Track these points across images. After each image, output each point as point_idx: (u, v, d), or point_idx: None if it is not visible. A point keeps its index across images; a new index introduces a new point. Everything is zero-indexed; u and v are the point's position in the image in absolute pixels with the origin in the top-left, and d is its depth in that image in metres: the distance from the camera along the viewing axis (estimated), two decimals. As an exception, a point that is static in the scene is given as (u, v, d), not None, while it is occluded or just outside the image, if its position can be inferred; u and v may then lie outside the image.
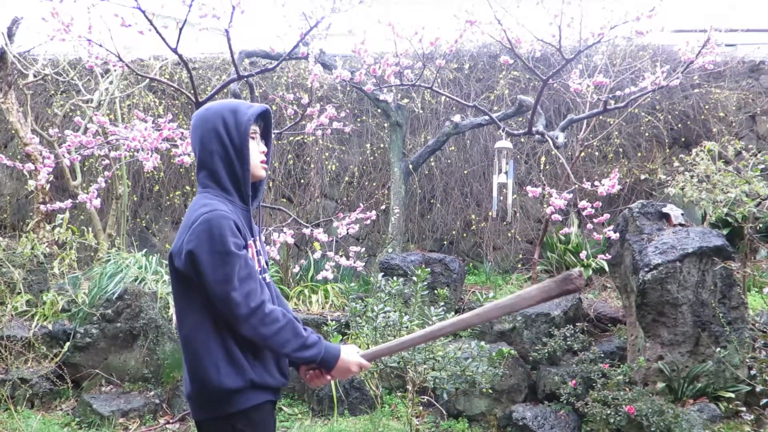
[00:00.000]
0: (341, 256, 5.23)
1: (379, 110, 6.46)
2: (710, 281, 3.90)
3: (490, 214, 6.30)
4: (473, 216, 6.74)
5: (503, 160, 5.04)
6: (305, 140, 6.87)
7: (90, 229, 5.44)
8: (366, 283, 5.63)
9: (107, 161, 5.53)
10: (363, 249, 5.66)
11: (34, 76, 6.06)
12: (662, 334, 3.91)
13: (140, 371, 4.60)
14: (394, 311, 3.32)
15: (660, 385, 3.85)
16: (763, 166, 4.59)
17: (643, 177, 6.53)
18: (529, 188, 4.72)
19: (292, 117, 5.42)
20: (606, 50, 6.53)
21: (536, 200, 6.48)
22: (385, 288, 3.49)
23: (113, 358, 4.60)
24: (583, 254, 5.43)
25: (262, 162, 1.88)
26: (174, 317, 4.32)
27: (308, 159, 6.94)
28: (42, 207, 4.95)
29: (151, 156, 4.50)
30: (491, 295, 4.71)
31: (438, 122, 6.85)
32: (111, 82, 6.28)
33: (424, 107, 6.89)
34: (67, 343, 4.53)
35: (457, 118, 5.66)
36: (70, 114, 6.57)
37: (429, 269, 3.41)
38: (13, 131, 5.80)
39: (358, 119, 6.99)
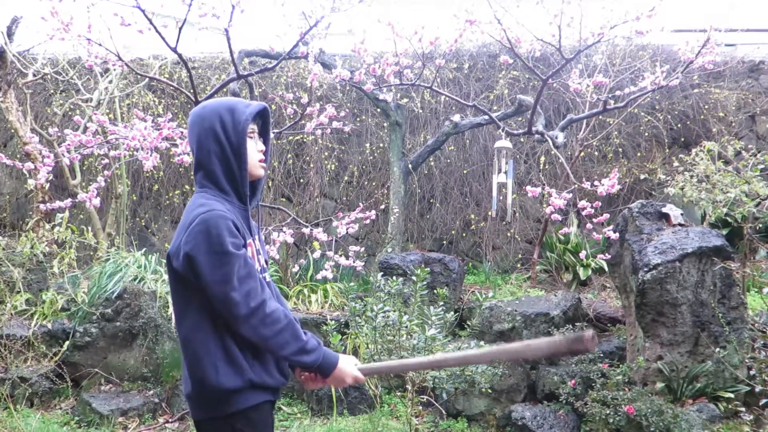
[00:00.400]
0: (341, 255, 5.23)
1: (378, 110, 6.46)
2: (710, 281, 3.90)
3: (489, 213, 6.30)
4: (473, 216, 6.73)
5: (503, 160, 5.04)
6: (305, 140, 6.86)
7: (89, 228, 5.43)
8: (365, 283, 5.63)
9: (107, 160, 5.54)
10: (362, 248, 5.65)
11: (34, 75, 6.05)
12: (661, 334, 3.91)
13: (139, 370, 4.60)
14: (394, 311, 3.32)
15: (659, 385, 3.85)
16: (762, 166, 4.59)
17: (642, 177, 6.52)
18: (528, 188, 4.71)
19: (291, 116, 5.42)
20: (606, 50, 6.53)
21: (536, 200, 6.48)
22: (384, 287, 3.49)
23: (112, 357, 4.60)
24: (582, 254, 5.43)
25: (260, 161, 1.87)
26: (173, 317, 4.32)
27: (308, 158, 6.94)
28: (41, 206, 4.95)
29: (150, 155, 4.51)
30: (490, 294, 4.72)
31: (437, 122, 6.84)
32: (110, 82, 6.28)
33: (423, 107, 6.89)
34: (67, 342, 4.53)
35: (456, 117, 5.65)
36: (70, 113, 6.56)
37: (428, 269, 3.41)
38: (12, 130, 5.79)
39: (358, 119, 6.98)
